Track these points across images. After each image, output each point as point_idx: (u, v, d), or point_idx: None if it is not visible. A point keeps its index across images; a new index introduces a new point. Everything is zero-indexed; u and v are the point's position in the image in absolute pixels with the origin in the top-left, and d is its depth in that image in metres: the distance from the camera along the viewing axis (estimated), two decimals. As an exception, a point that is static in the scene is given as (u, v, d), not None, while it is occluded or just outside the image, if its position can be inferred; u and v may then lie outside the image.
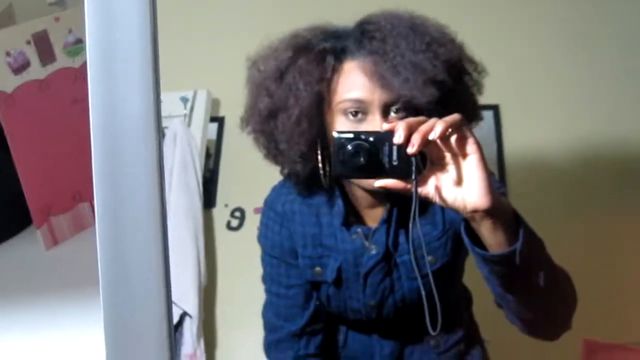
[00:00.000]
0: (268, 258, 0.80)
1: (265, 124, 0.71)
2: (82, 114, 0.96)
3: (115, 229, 0.41)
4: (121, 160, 0.40)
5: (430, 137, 0.53)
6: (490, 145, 1.11)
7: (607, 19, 1.24)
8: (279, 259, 0.79)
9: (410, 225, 0.58)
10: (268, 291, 0.80)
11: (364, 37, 0.68)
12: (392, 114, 0.66)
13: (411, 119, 0.56)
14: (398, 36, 0.66)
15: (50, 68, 0.94)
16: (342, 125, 0.66)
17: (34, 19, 0.92)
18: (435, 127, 0.53)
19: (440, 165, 0.57)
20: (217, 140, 1.43)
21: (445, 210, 0.71)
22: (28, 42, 0.91)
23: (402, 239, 0.73)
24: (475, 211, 0.56)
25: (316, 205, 0.76)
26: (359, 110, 0.66)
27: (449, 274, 0.75)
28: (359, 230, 0.74)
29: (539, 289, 0.60)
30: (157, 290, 0.41)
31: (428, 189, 0.57)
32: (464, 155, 0.56)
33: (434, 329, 0.56)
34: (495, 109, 1.23)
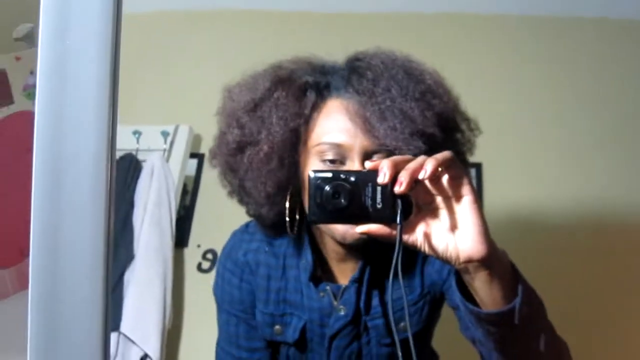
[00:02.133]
0: (225, 315, 0.70)
1: (232, 158, 0.62)
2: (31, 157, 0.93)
3: (51, 265, 0.37)
4: (64, 193, 0.36)
5: (421, 176, 0.45)
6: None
7: (592, 84, 1.27)
8: (238, 317, 0.68)
9: (391, 278, 0.48)
10: (227, 353, 0.69)
11: (353, 75, 0.60)
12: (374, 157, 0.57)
13: (397, 157, 0.48)
14: (391, 79, 0.59)
15: (7, 111, 0.89)
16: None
17: None
18: (426, 166, 0.45)
19: (430, 210, 0.49)
20: (195, 176, 1.39)
21: (425, 272, 0.63)
22: None
23: (375, 301, 0.65)
24: (469, 261, 0.47)
25: (283, 256, 0.67)
26: (337, 157, 0.57)
27: (421, 339, 0.67)
28: (327, 287, 0.65)
29: (539, 356, 0.51)
30: (94, 332, 0.36)
31: (416, 236, 0.48)
32: (457, 198, 0.48)
33: None
34: (478, 167, 1.23)
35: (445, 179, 0.47)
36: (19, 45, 0.99)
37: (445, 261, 0.49)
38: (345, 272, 0.66)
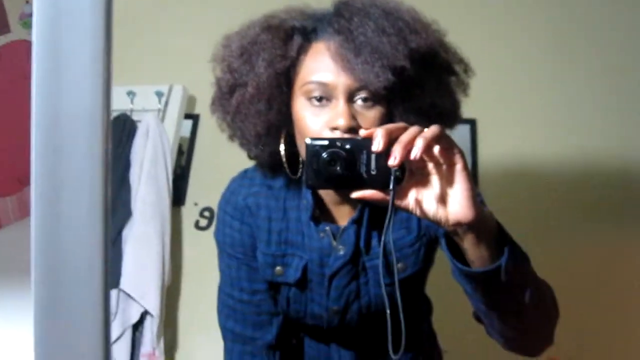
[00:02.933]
0: (227, 259, 0.72)
1: (225, 101, 0.64)
2: (25, 99, 0.91)
3: (52, 223, 0.38)
4: (63, 153, 0.37)
5: (412, 155, 0.48)
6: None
7: (588, 37, 1.26)
8: (239, 259, 0.70)
9: (383, 236, 0.52)
10: (228, 296, 0.71)
11: (335, 17, 0.62)
12: (359, 102, 0.59)
13: (390, 126, 0.50)
14: (366, 16, 0.60)
15: (3, 39, 0.87)
16: (304, 110, 0.60)
17: None
18: (417, 143, 0.48)
19: (421, 176, 0.52)
20: (190, 137, 1.39)
21: None
22: None
23: (374, 241, 0.67)
24: (458, 224, 0.50)
25: (283, 198, 0.69)
26: (323, 95, 0.59)
27: (416, 282, 0.70)
28: (327, 228, 0.67)
29: (524, 306, 0.55)
30: (94, 289, 0.37)
31: (408, 201, 0.51)
32: (447, 165, 0.50)
33: (396, 350, 0.50)
34: (472, 123, 1.24)
35: (436, 148, 0.50)
36: None
37: (435, 224, 0.52)
38: (344, 214, 0.68)
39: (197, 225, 1.34)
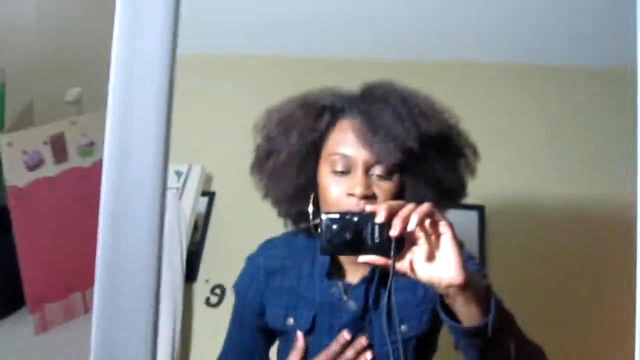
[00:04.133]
0: (234, 309, 0.83)
1: (262, 165, 0.76)
2: (84, 212, 1.00)
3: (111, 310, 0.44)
4: (127, 221, 0.46)
5: (408, 229, 0.58)
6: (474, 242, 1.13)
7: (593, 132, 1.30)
8: (243, 318, 0.81)
9: (386, 299, 0.63)
10: (225, 346, 0.84)
11: (360, 100, 0.73)
12: (375, 174, 0.69)
13: (392, 202, 0.61)
14: (385, 102, 0.71)
15: (63, 167, 1.01)
16: (328, 178, 0.71)
17: (53, 122, 1.00)
18: (411, 218, 0.58)
19: (417, 245, 0.61)
20: (205, 214, 1.44)
21: None
22: (45, 143, 0.98)
23: (383, 300, 0.73)
24: (449, 287, 0.59)
25: (300, 257, 0.78)
26: (344, 168, 0.70)
27: (422, 347, 0.74)
28: (339, 283, 0.75)
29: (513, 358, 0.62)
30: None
31: (406, 266, 0.61)
32: (438, 236, 0.60)
33: None
34: (480, 209, 1.26)
35: (427, 222, 0.60)
36: (70, 108, 1.12)
37: (430, 286, 0.62)
38: (356, 271, 0.75)
39: (207, 302, 1.35)
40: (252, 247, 0.82)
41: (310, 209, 0.73)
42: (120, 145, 0.47)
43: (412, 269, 0.61)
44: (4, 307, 1.04)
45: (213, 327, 1.34)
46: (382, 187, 0.69)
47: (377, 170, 0.69)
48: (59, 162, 1.00)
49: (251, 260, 0.81)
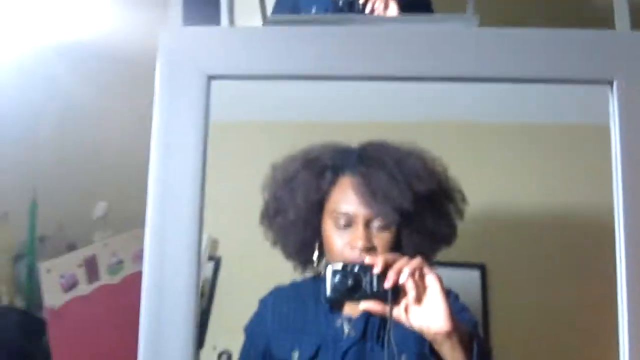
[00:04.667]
0: (242, 350, 0.89)
1: (272, 221, 0.83)
2: (116, 325, 1.07)
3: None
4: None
5: (400, 281, 0.69)
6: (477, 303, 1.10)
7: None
8: (248, 350, 0.87)
9: (386, 342, 0.72)
10: None
11: (359, 159, 0.82)
12: (374, 228, 0.77)
13: (387, 256, 0.72)
14: (380, 165, 0.80)
15: (95, 285, 1.13)
16: (332, 231, 0.79)
17: (88, 246, 1.15)
18: (403, 272, 0.70)
19: (409, 294, 0.71)
20: (212, 280, 1.43)
21: None
22: (79, 266, 1.11)
23: (382, 332, 0.78)
24: (437, 334, 0.69)
25: (305, 299, 0.83)
26: (346, 223, 0.78)
27: None
28: (342, 315, 0.81)
29: None
30: None
31: (400, 314, 0.71)
32: (426, 288, 0.71)
33: None
34: (482, 268, 1.22)
35: (417, 274, 0.70)
36: (97, 223, 1.26)
37: (419, 332, 0.70)
38: (357, 307, 0.78)
39: (215, 369, 1.29)
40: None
41: (316, 255, 0.81)
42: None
43: (405, 317, 0.70)
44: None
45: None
46: (381, 238, 0.78)
47: (376, 223, 0.78)
48: (91, 281, 1.12)
49: (262, 302, 0.87)
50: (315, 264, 0.81)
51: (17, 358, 1.11)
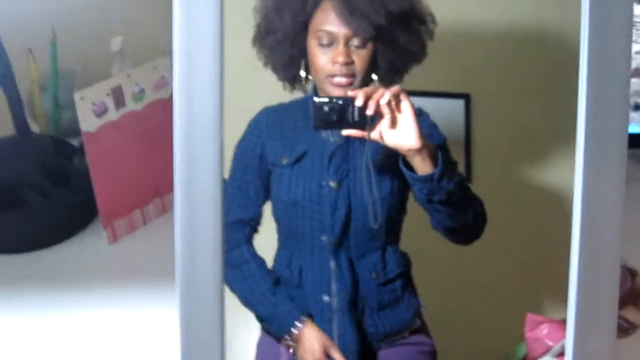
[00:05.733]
0: (234, 160, 0.97)
1: (263, 41, 0.95)
2: (140, 146, 1.23)
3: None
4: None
5: (381, 102, 0.79)
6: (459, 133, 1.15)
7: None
8: (240, 159, 0.96)
9: (364, 162, 0.87)
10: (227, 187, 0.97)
11: None
12: (353, 45, 0.87)
13: (368, 89, 0.82)
14: None
15: (122, 112, 1.25)
16: (316, 48, 0.89)
17: (113, 77, 1.26)
18: (384, 96, 0.79)
19: (386, 118, 0.81)
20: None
21: None
22: (107, 94, 1.22)
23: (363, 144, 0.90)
24: (409, 150, 0.81)
25: (294, 114, 0.96)
26: (328, 41, 0.88)
27: (397, 196, 0.90)
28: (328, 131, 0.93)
29: (457, 203, 0.85)
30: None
31: (377, 134, 0.82)
32: (401, 111, 0.81)
33: (375, 220, 0.86)
34: (466, 97, 1.22)
35: (394, 101, 0.80)
36: (115, 56, 1.36)
37: (395, 150, 0.82)
38: None
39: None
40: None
41: (302, 72, 0.93)
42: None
43: (381, 137, 0.81)
44: (81, 222, 1.31)
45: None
46: (359, 55, 0.87)
47: (355, 41, 0.87)
48: (118, 108, 1.24)
49: (254, 119, 0.97)
50: (302, 81, 0.93)
51: (53, 177, 1.29)
